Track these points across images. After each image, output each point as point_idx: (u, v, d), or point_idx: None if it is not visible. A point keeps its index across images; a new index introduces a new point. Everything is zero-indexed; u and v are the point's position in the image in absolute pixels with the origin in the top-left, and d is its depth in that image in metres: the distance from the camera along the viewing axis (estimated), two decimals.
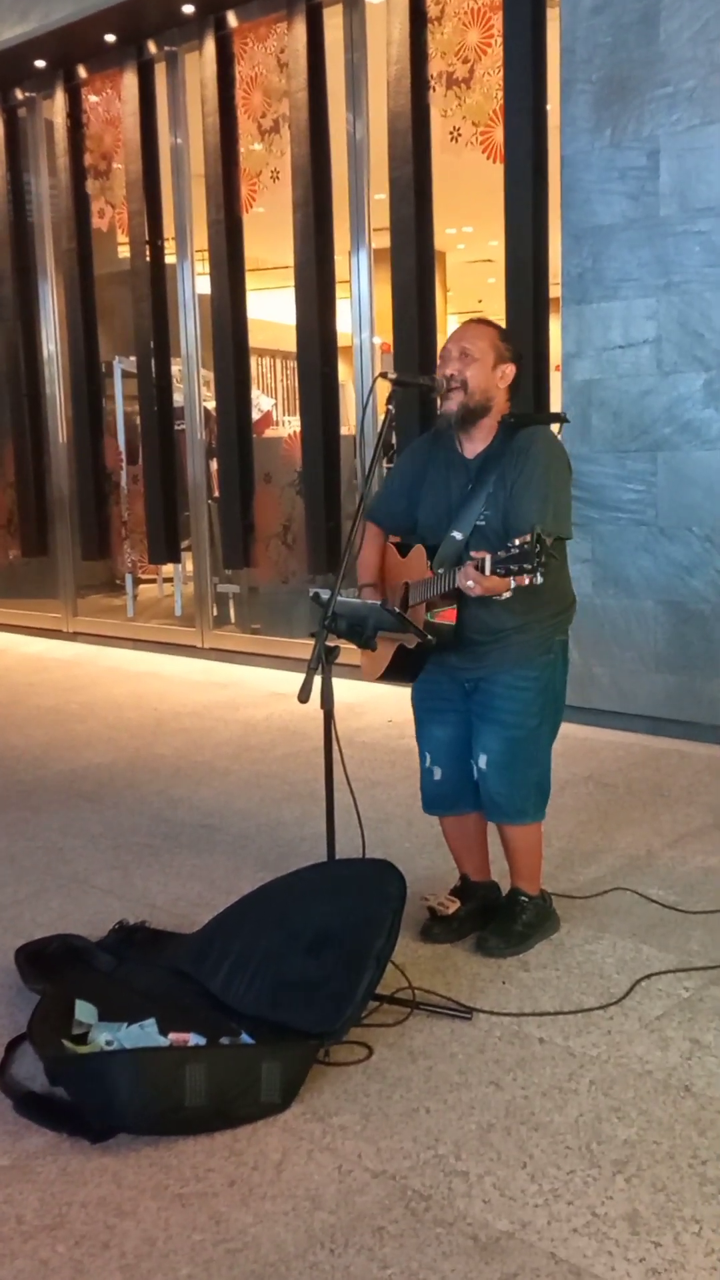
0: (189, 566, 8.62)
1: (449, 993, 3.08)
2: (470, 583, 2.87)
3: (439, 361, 3.24)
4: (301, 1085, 2.63)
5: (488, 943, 3.35)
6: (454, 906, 3.49)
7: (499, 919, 3.41)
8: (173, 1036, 2.73)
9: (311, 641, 3.19)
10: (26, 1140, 2.50)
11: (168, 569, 9.40)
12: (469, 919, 3.47)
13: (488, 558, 2.80)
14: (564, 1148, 2.43)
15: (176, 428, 8.33)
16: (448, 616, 3.14)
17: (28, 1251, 2.16)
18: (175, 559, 8.65)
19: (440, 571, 3.10)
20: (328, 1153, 2.43)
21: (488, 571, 2.80)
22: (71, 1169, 2.40)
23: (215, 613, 8.36)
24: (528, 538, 2.75)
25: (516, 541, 2.77)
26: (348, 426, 7.81)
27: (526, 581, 2.77)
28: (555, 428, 3.31)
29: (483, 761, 3.27)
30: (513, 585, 2.78)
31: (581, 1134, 2.48)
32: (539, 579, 2.76)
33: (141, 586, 9.62)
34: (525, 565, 2.74)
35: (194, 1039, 2.73)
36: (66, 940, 3.33)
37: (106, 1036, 2.73)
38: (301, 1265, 2.11)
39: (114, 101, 8.18)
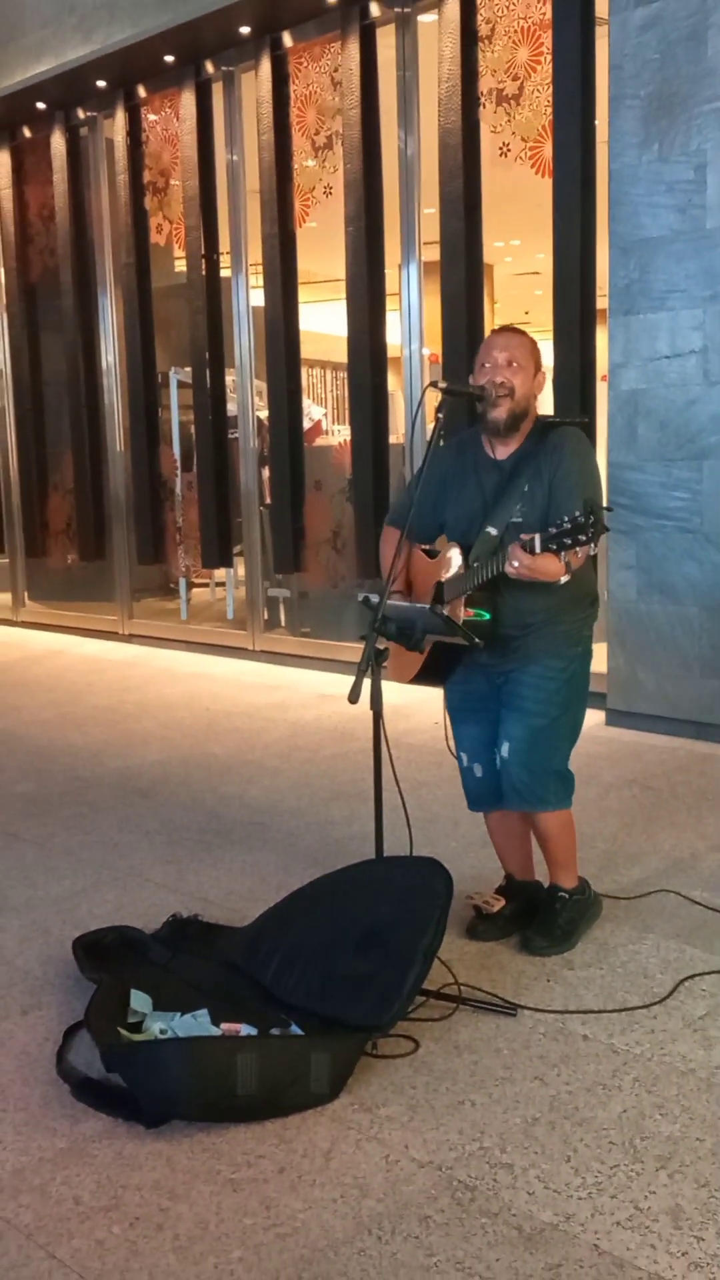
0: (241, 571, 8.65)
1: (494, 989, 3.07)
2: (517, 563, 2.89)
3: (479, 368, 3.26)
4: (349, 1076, 2.64)
5: (533, 943, 3.34)
6: (499, 905, 3.49)
7: (541, 918, 3.40)
8: (225, 1026, 2.75)
9: (360, 645, 3.20)
10: (83, 1124, 2.52)
11: (220, 573, 9.45)
12: (514, 918, 3.46)
13: (537, 537, 2.84)
14: (607, 1143, 2.42)
15: (230, 436, 8.37)
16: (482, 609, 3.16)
17: (85, 1231, 2.18)
18: (227, 564, 8.68)
19: (475, 565, 3.11)
20: (375, 1142, 2.44)
21: (538, 550, 2.83)
22: (127, 1153, 2.42)
23: (266, 616, 8.39)
24: (577, 513, 2.78)
25: (565, 518, 2.80)
26: (396, 435, 7.81)
27: (582, 555, 2.79)
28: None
29: (505, 749, 3.27)
30: (581, 557, 2.82)
31: (625, 1129, 2.47)
32: (594, 549, 2.80)
33: (194, 590, 9.67)
34: (580, 537, 2.78)
35: (245, 1029, 2.74)
36: (122, 932, 3.35)
37: (161, 1025, 2.75)
38: (350, 1251, 2.11)
39: (172, 120, 8.24)
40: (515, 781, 3.29)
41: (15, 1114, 2.57)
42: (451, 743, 3.49)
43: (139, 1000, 2.88)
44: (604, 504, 3.21)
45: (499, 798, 3.41)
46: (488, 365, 3.23)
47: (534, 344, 3.29)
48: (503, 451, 3.27)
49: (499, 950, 3.34)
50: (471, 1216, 2.20)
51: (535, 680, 3.24)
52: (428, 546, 3.42)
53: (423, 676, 3.35)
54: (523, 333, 3.32)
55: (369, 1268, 2.07)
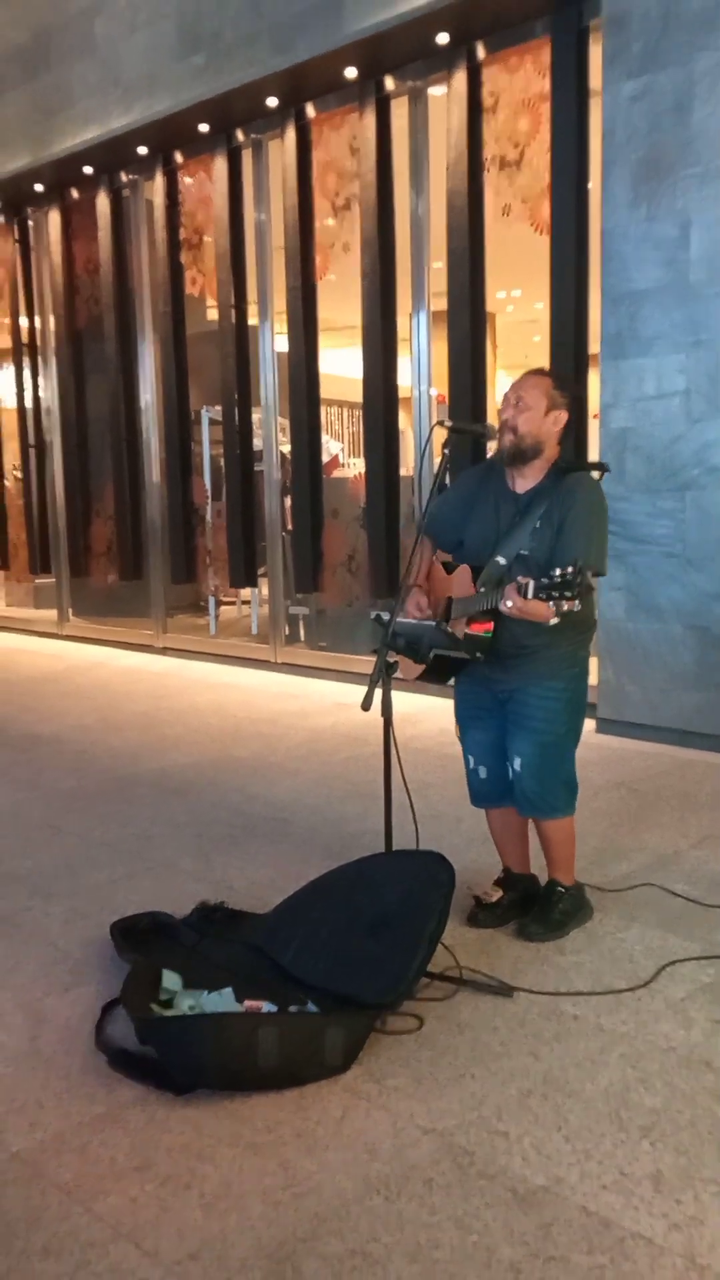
0: (265, 590, 8.66)
1: (493, 972, 3.07)
2: (510, 603, 2.89)
3: (500, 405, 3.26)
4: (361, 1050, 2.64)
5: (528, 929, 3.34)
6: (497, 895, 3.49)
7: (538, 907, 3.40)
8: (248, 1004, 2.75)
9: (372, 658, 3.21)
10: (119, 1092, 2.53)
11: (246, 592, 9.47)
12: (511, 907, 3.46)
13: (531, 583, 2.82)
14: (595, 1113, 2.42)
15: (255, 469, 8.39)
16: (483, 628, 3.15)
17: (119, 1189, 2.19)
18: (252, 584, 8.70)
19: (482, 590, 3.11)
20: (383, 1111, 2.43)
21: (529, 596, 2.82)
22: (158, 1118, 2.42)
23: (287, 631, 8.40)
24: (569, 569, 2.76)
25: (557, 571, 2.78)
26: (406, 468, 7.82)
27: (566, 607, 2.78)
28: (596, 475, 3.30)
29: (517, 764, 3.27)
30: (563, 609, 2.79)
31: (611, 1101, 2.46)
32: (577, 605, 2.78)
33: (222, 608, 9.69)
34: (566, 593, 2.76)
35: (266, 1007, 2.74)
36: (155, 917, 3.36)
37: (190, 1002, 2.75)
38: (359, 1209, 2.11)
39: (206, 183, 8.28)
40: (528, 793, 3.29)
41: (57, 1082, 2.58)
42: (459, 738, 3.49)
43: (170, 979, 2.88)
44: (606, 548, 3.19)
45: (500, 797, 3.41)
46: (502, 402, 3.24)
47: (550, 385, 3.21)
48: (521, 485, 3.24)
49: (497, 937, 3.34)
50: (470, 1179, 2.20)
51: (539, 701, 3.23)
52: (448, 559, 3.41)
53: (428, 675, 3.35)
54: (544, 374, 3.26)
55: (377, 1224, 2.07)
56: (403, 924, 2.88)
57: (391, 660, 3.26)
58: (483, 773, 3.41)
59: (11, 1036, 2.79)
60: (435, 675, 3.34)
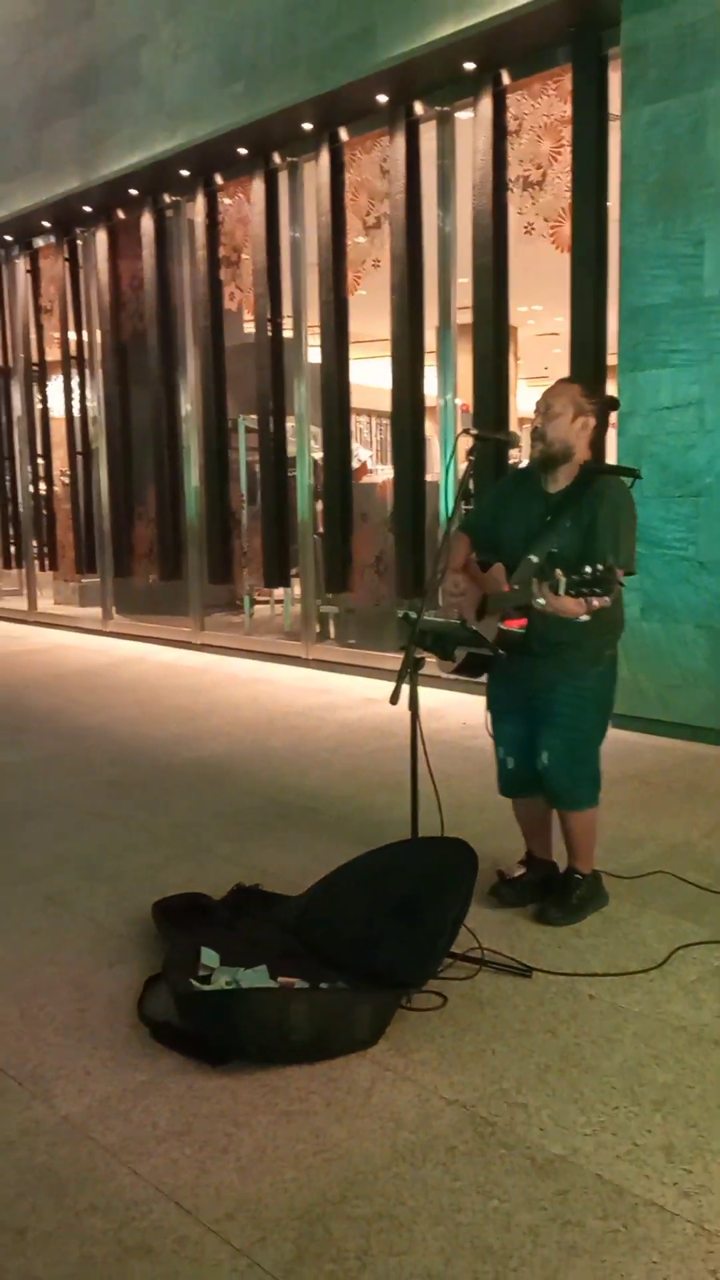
0: (296, 590, 8.69)
1: (513, 954, 3.08)
2: (542, 600, 2.90)
3: (532, 414, 3.28)
4: (388, 1025, 2.66)
5: (547, 913, 3.34)
6: (520, 872, 3.51)
7: (557, 893, 3.40)
8: (281, 980, 2.77)
9: (400, 655, 3.23)
10: (161, 1061, 2.55)
11: (279, 592, 9.50)
12: (531, 888, 3.47)
13: (563, 580, 2.82)
14: (610, 1088, 2.42)
15: (288, 474, 8.42)
16: (517, 624, 3.15)
17: (161, 1152, 2.22)
18: (285, 584, 8.73)
19: (516, 587, 3.11)
20: (409, 1083, 2.45)
21: (561, 593, 2.82)
22: (197, 1087, 2.45)
23: (318, 629, 8.42)
24: (599, 566, 2.77)
25: (588, 568, 2.79)
26: (432, 474, 7.82)
27: (596, 604, 2.79)
28: (627, 480, 3.29)
29: (545, 758, 3.27)
30: (594, 605, 2.79)
31: (625, 1077, 2.47)
32: (608, 601, 2.79)
33: (257, 606, 9.73)
34: (596, 589, 2.77)
35: (298, 983, 2.76)
36: (194, 898, 3.38)
37: (227, 978, 2.77)
38: (387, 1175, 2.13)
39: (244, 204, 8.31)
40: (556, 786, 3.30)
41: (103, 1051, 2.61)
42: (490, 729, 3.49)
43: (208, 956, 2.90)
44: (635, 548, 3.18)
45: (527, 788, 3.41)
46: (534, 413, 3.25)
47: (578, 392, 3.22)
48: (553, 486, 3.24)
49: (517, 920, 3.35)
50: (491, 1148, 2.21)
51: (568, 697, 3.23)
52: (483, 559, 3.42)
53: (462, 670, 3.35)
54: (572, 383, 3.27)
55: (403, 1189, 2.09)
56: (428, 907, 2.90)
57: (418, 657, 3.27)
58: (511, 764, 3.42)
59: (61, 1008, 2.83)
60: (468, 671, 3.35)
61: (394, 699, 3.17)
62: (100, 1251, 1.94)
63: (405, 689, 3.19)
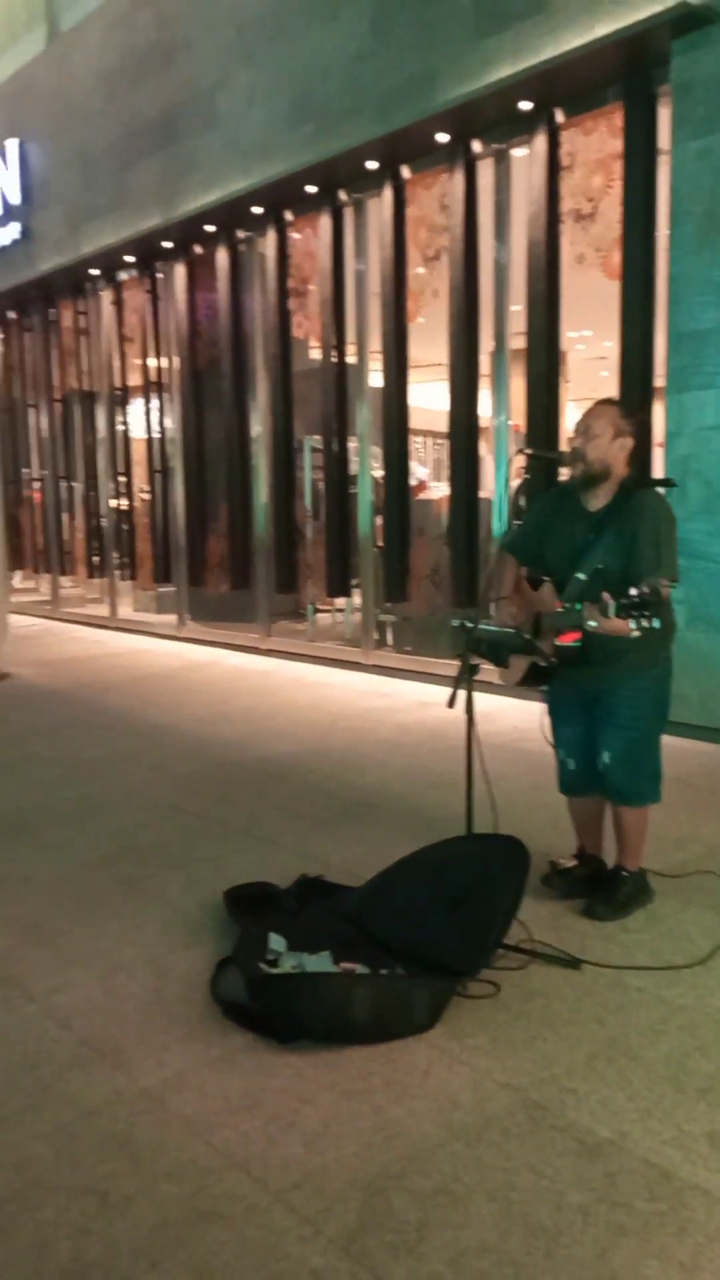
0: (357, 599, 8.70)
1: (562, 946, 3.05)
2: (594, 623, 2.87)
3: (572, 435, 3.24)
4: (444, 1011, 2.65)
5: (595, 908, 3.31)
6: (572, 863, 3.48)
7: (605, 889, 3.37)
8: (343, 965, 2.78)
9: (454, 661, 3.22)
10: (232, 1038, 2.57)
11: (340, 601, 9.52)
12: (581, 882, 3.44)
13: (611, 603, 2.79)
14: (656, 1076, 2.39)
15: (350, 491, 8.44)
16: (572, 638, 3.12)
17: (232, 1124, 2.23)
18: (346, 594, 8.75)
19: (567, 605, 3.08)
20: (464, 1066, 2.44)
21: (610, 615, 2.80)
22: (265, 1063, 2.46)
23: (376, 636, 8.42)
24: (644, 589, 2.74)
25: (634, 591, 2.76)
26: (485, 491, 7.79)
27: (645, 624, 2.76)
28: (661, 490, 3.26)
29: (607, 758, 3.24)
30: (642, 625, 2.76)
31: (670, 1066, 2.43)
32: (656, 624, 2.75)
33: (319, 614, 9.75)
34: (644, 611, 2.74)
35: (359, 969, 2.77)
36: (262, 886, 3.40)
37: (293, 962, 2.79)
38: (443, 1154, 2.12)
39: (312, 238, 8.36)
40: (618, 785, 3.27)
41: (179, 1027, 2.63)
42: (548, 735, 3.46)
43: (276, 941, 2.92)
44: (676, 556, 3.14)
45: (587, 787, 3.38)
46: (573, 433, 3.22)
47: (617, 414, 3.19)
48: (594, 505, 3.21)
49: (566, 915, 3.32)
50: (543, 1130, 2.20)
51: (626, 699, 3.20)
52: (532, 576, 3.39)
53: (525, 682, 3.33)
54: (611, 404, 3.23)
55: (458, 1167, 2.08)
56: (482, 899, 2.89)
57: (474, 663, 3.26)
58: (572, 765, 3.39)
59: (140, 987, 2.86)
60: (531, 681, 3.33)
61: (451, 703, 3.16)
62: (175, 1216, 1.95)
63: (461, 693, 3.18)
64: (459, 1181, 2.04)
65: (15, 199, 11.19)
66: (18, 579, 12.99)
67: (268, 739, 5.91)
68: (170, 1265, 1.84)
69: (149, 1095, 2.34)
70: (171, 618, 10.52)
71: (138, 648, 9.92)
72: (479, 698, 3.38)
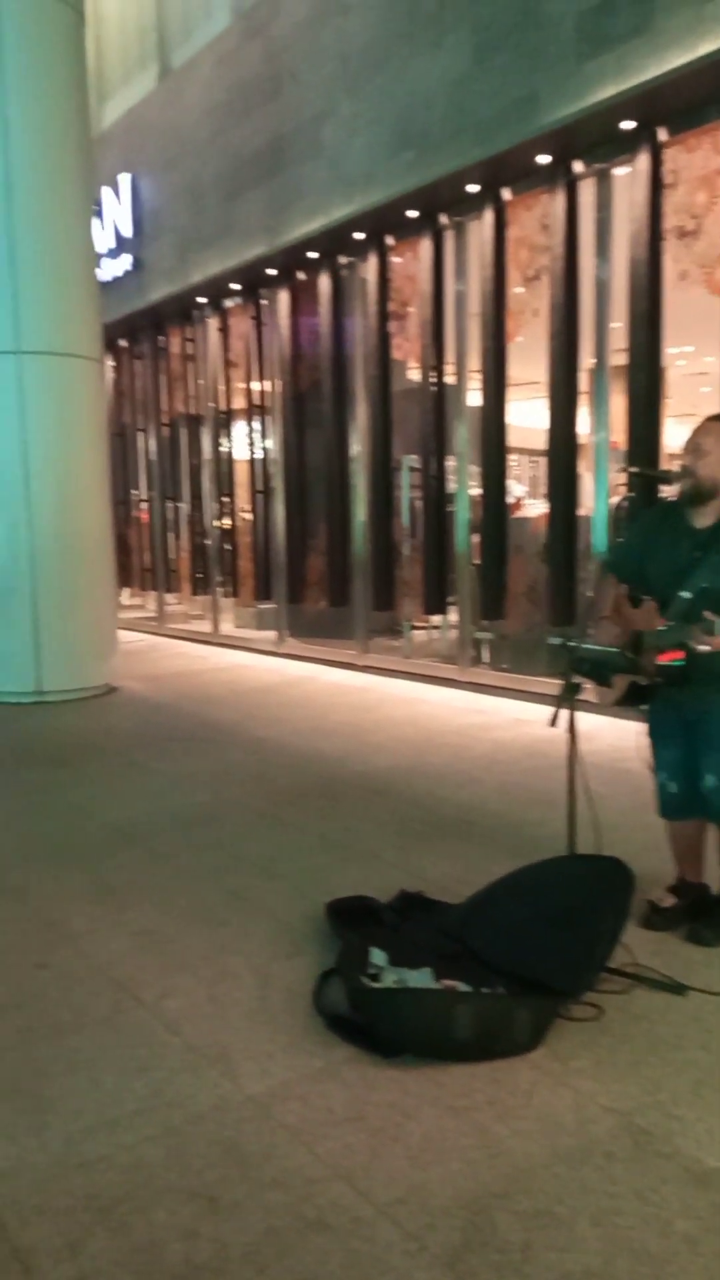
0: (453, 617, 8.68)
1: (667, 971, 2.98)
2: (705, 647, 2.81)
3: (680, 452, 3.19)
4: (546, 1032, 2.61)
5: (700, 933, 3.22)
6: (670, 901, 3.38)
7: (711, 914, 3.28)
8: (445, 982, 2.76)
9: (551, 679, 3.19)
10: (335, 1050, 2.58)
11: (436, 618, 9.50)
12: (683, 912, 3.35)
13: (717, 621, 2.74)
14: None
15: (447, 510, 8.44)
16: (674, 656, 3.06)
17: (336, 1135, 2.24)
18: (442, 611, 8.74)
19: (671, 624, 3.03)
20: (567, 1088, 2.40)
21: (717, 634, 2.74)
22: (368, 1076, 2.46)
23: (473, 653, 8.38)
24: None
25: None
26: (584, 509, 7.70)
27: None
28: None
29: (710, 781, 3.16)
30: None
31: None
32: None
33: (416, 631, 9.75)
34: None
35: (461, 986, 2.75)
36: (363, 899, 3.41)
37: (395, 977, 2.78)
38: (546, 1174, 2.09)
39: (412, 262, 8.42)
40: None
41: (283, 1037, 2.66)
42: (647, 759, 3.40)
43: (377, 956, 2.92)
44: None
45: (687, 810, 3.30)
46: (682, 450, 3.17)
47: None
48: (700, 522, 3.15)
49: (670, 940, 3.24)
50: (648, 1156, 2.15)
51: None
52: (632, 594, 3.34)
53: (623, 702, 3.28)
54: (717, 422, 3.16)
55: (563, 1189, 2.05)
56: (586, 920, 2.85)
57: (576, 682, 3.23)
58: (673, 788, 3.32)
59: (245, 994, 2.90)
60: (630, 701, 3.28)
61: (553, 721, 3.13)
62: (282, 1224, 1.97)
63: (564, 712, 3.15)
64: (563, 1204, 2.00)
65: (127, 232, 11.55)
66: (125, 596, 13.33)
67: (366, 754, 5.93)
68: (277, 1271, 1.85)
69: (255, 1103, 2.37)
70: (271, 634, 10.65)
71: (239, 663, 10.07)
72: (580, 717, 3.33)
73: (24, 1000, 2.88)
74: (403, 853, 4.13)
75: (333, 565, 9.57)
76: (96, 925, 3.43)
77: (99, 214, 11.52)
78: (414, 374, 8.81)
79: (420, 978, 2.78)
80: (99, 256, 10.27)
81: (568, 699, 3.19)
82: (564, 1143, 2.19)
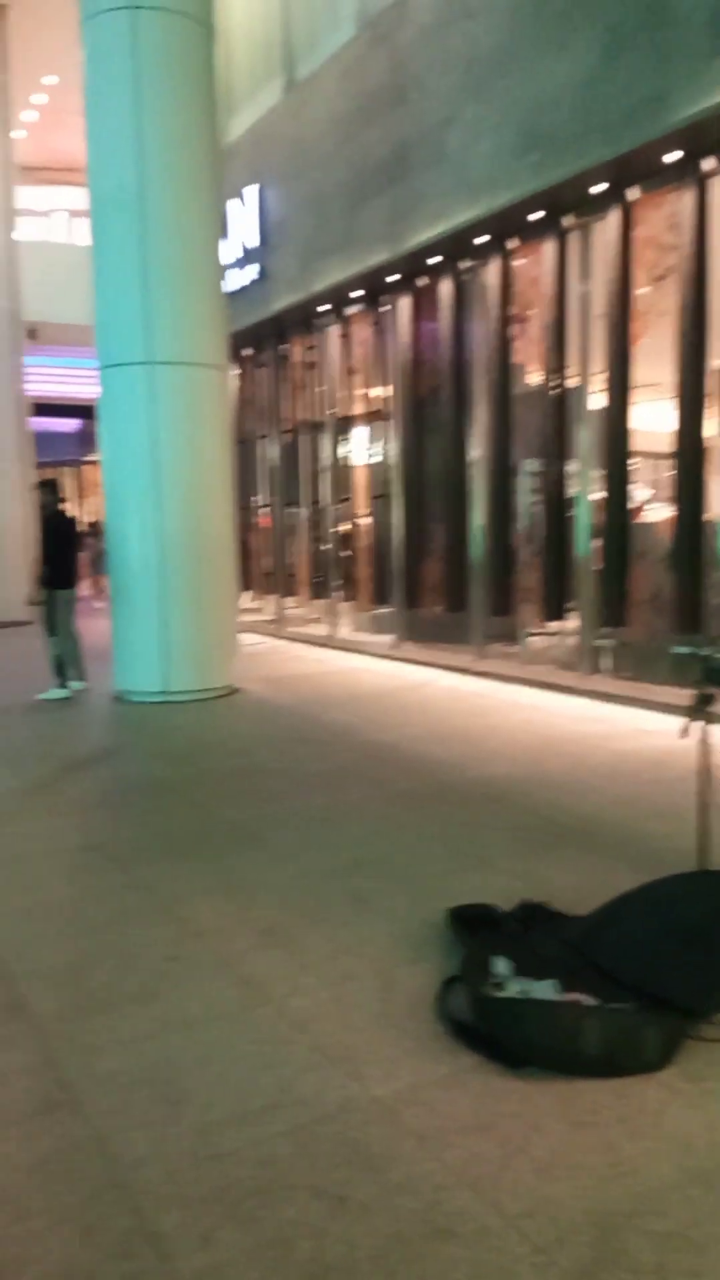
0: (572, 623, 8.55)
1: None
2: None
3: None
4: (676, 1051, 2.55)
5: None
6: None
7: None
8: (571, 995, 2.73)
9: (676, 689, 3.11)
10: (460, 1058, 2.57)
11: (555, 625, 9.38)
12: None
13: None
14: None
15: (567, 514, 8.32)
16: None
17: (462, 1144, 2.23)
18: (561, 617, 8.62)
19: None
20: (698, 1110, 2.34)
21: None
22: (494, 1086, 2.45)
23: (592, 661, 8.24)
24: None
25: None
26: (710, 514, 7.48)
27: None
28: None
29: None
30: None
31: None
32: None
33: (533, 638, 9.64)
34: None
35: (587, 1000, 2.71)
36: (485, 907, 3.38)
37: (520, 987, 2.76)
38: (678, 1196, 2.05)
39: (535, 265, 8.33)
40: None
41: (407, 1041, 2.66)
42: None
43: (501, 965, 2.90)
44: None
45: None
46: None
47: None
48: None
49: None
50: None
51: None
52: None
53: None
54: None
55: (697, 1212, 2.00)
56: (717, 938, 2.76)
57: (708, 693, 3.14)
58: None
59: (368, 998, 2.91)
60: None
61: (684, 732, 3.05)
62: (411, 1229, 1.98)
63: (695, 723, 3.07)
64: (697, 1227, 1.95)
65: (253, 242, 11.79)
66: (246, 599, 13.59)
67: (483, 760, 5.89)
68: (406, 1277, 1.86)
69: (381, 1105, 2.38)
70: (387, 638, 10.69)
71: (355, 666, 10.14)
72: (711, 729, 3.24)
73: (157, 991, 2.97)
74: (522, 861, 4.08)
75: (450, 570, 9.55)
76: (222, 921, 3.50)
77: (225, 226, 11.78)
78: (535, 377, 8.71)
79: (545, 989, 2.75)
80: (225, 267, 10.50)
81: (700, 710, 3.11)
82: (696, 1165, 2.14)
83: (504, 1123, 2.30)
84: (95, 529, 14.67)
